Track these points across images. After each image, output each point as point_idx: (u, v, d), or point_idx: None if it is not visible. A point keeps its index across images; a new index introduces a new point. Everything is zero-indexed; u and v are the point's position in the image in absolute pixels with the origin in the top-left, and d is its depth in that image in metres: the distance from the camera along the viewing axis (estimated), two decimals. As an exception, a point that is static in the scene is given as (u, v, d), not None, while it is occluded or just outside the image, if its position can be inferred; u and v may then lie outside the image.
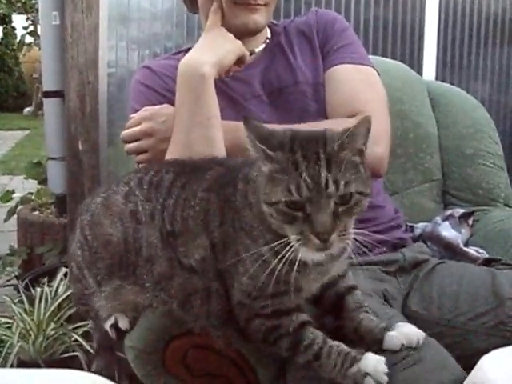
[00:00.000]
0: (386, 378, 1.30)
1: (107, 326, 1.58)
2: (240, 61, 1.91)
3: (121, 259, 1.51)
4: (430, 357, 1.41)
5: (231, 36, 1.90)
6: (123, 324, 1.56)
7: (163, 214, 1.47)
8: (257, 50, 2.08)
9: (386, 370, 1.30)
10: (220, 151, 1.73)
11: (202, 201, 1.44)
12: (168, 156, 1.75)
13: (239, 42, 1.90)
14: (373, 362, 1.31)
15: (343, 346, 1.35)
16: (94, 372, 1.72)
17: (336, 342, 1.36)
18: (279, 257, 1.27)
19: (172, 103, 1.86)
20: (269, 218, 1.27)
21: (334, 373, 1.33)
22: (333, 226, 1.22)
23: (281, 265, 1.29)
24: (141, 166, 1.85)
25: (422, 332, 1.43)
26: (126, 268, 1.52)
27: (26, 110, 15.10)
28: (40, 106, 10.50)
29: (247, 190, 1.37)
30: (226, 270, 1.40)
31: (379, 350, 1.38)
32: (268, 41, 2.11)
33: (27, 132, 12.67)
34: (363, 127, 1.28)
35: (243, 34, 1.94)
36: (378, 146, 1.84)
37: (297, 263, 1.28)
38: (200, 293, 1.44)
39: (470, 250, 2.12)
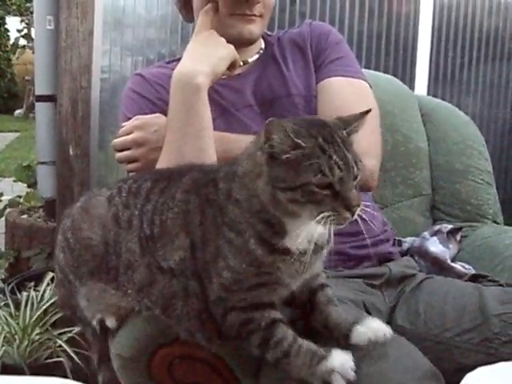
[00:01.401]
0: (353, 374, 1.30)
1: (94, 322, 1.59)
2: (232, 65, 1.91)
3: (102, 263, 1.52)
4: (397, 351, 1.42)
5: (223, 40, 1.89)
6: (110, 323, 1.57)
7: (141, 219, 1.48)
8: (250, 60, 2.08)
9: (353, 367, 1.31)
10: (211, 162, 1.72)
11: (180, 202, 1.45)
12: (159, 165, 1.75)
13: (231, 46, 1.89)
14: (340, 359, 1.32)
15: (312, 345, 1.36)
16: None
17: (306, 341, 1.37)
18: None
19: (164, 112, 1.85)
20: (287, 202, 1.28)
21: (302, 371, 1.34)
22: (359, 199, 1.29)
23: (270, 257, 1.35)
24: (131, 174, 1.85)
25: (389, 327, 1.44)
26: (107, 273, 1.52)
27: (17, 111, 15.09)
28: (31, 108, 10.50)
29: (231, 188, 1.39)
30: (204, 268, 1.41)
31: (347, 344, 1.39)
32: (261, 51, 2.11)
33: (18, 134, 12.66)
34: (363, 118, 1.38)
35: (238, 43, 1.93)
36: (370, 160, 1.85)
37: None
38: (180, 295, 1.44)
39: (458, 266, 2.12)
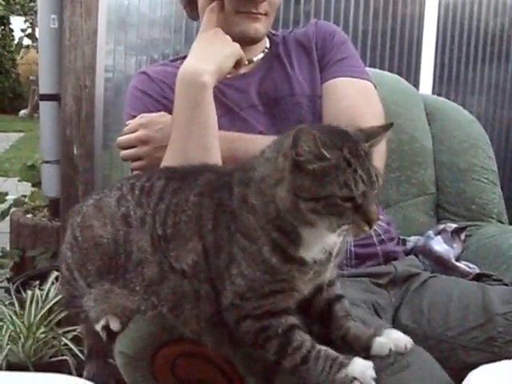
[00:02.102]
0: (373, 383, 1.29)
1: (98, 327, 1.58)
2: (237, 64, 1.91)
3: (110, 262, 1.52)
4: (418, 363, 1.41)
5: (228, 38, 1.89)
6: (114, 325, 1.56)
7: (154, 218, 1.48)
8: (255, 59, 2.08)
9: (374, 375, 1.30)
10: (216, 160, 1.72)
11: (194, 205, 1.44)
12: (164, 163, 1.75)
13: (237, 44, 1.89)
14: (361, 367, 1.31)
15: (331, 351, 1.35)
16: (86, 378, 1.72)
17: (324, 347, 1.36)
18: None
19: (168, 110, 1.86)
20: (307, 212, 1.28)
21: (321, 377, 1.33)
22: (378, 213, 1.31)
23: (285, 266, 1.34)
24: (135, 172, 1.85)
25: (409, 338, 1.43)
26: (115, 271, 1.52)
27: (22, 112, 15.10)
28: (36, 108, 10.51)
29: (246, 193, 1.38)
30: (217, 273, 1.40)
31: (367, 356, 1.37)
32: (266, 50, 2.11)
33: (22, 134, 12.67)
34: (385, 132, 1.39)
35: (243, 42, 1.92)
36: (375, 161, 1.84)
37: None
38: (190, 297, 1.44)
39: (462, 265, 2.12)
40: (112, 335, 1.57)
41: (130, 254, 1.49)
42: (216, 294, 1.42)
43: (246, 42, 1.96)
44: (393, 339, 1.41)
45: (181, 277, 1.44)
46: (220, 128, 1.81)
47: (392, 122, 1.41)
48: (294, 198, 1.28)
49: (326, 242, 1.32)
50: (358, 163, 1.27)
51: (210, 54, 1.84)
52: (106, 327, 1.57)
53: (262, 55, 2.10)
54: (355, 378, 1.29)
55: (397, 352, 1.40)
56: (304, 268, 1.36)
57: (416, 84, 4.01)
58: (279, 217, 1.32)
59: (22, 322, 3.03)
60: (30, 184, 4.50)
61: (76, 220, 1.61)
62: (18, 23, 12.56)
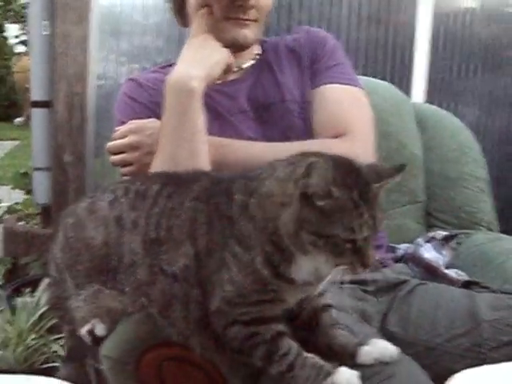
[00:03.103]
0: None
1: (83, 331, 1.57)
2: (227, 70, 1.91)
3: (101, 263, 1.52)
4: (404, 372, 1.41)
5: (217, 44, 1.90)
6: (100, 330, 1.55)
7: (148, 221, 1.47)
8: (245, 65, 2.09)
9: None
10: (204, 166, 1.72)
11: (188, 210, 1.44)
12: (153, 169, 1.75)
13: (226, 50, 1.89)
14: (346, 376, 1.30)
15: (317, 359, 1.34)
16: (59, 379, 1.72)
17: (310, 355, 1.35)
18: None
19: (158, 117, 1.85)
20: (307, 243, 1.27)
21: None
22: (374, 257, 1.30)
23: (275, 280, 1.33)
24: (125, 178, 1.85)
25: (395, 348, 1.43)
26: (106, 272, 1.52)
27: (17, 120, 15.07)
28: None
29: (248, 202, 1.37)
30: (207, 277, 1.40)
31: (353, 364, 1.37)
32: (257, 57, 2.12)
33: (17, 142, 12.64)
34: (397, 175, 1.35)
35: (232, 48, 1.93)
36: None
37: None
38: (180, 300, 1.43)
39: (451, 273, 2.11)
40: (97, 340, 1.57)
41: (122, 256, 1.49)
42: (205, 299, 1.41)
43: (236, 48, 1.96)
44: (378, 348, 1.41)
45: (171, 280, 1.43)
46: (210, 134, 1.81)
47: (405, 163, 1.37)
48: (298, 227, 1.27)
49: (318, 270, 1.31)
50: (366, 207, 1.25)
51: (199, 60, 1.84)
52: (91, 332, 1.56)
53: (252, 62, 2.10)
54: None
55: (382, 361, 1.39)
56: (293, 286, 1.35)
57: (408, 93, 4.02)
58: (276, 234, 1.31)
59: (13, 329, 3.03)
60: (23, 191, 4.49)
61: (69, 221, 1.60)
62: (14, 31, 12.54)
